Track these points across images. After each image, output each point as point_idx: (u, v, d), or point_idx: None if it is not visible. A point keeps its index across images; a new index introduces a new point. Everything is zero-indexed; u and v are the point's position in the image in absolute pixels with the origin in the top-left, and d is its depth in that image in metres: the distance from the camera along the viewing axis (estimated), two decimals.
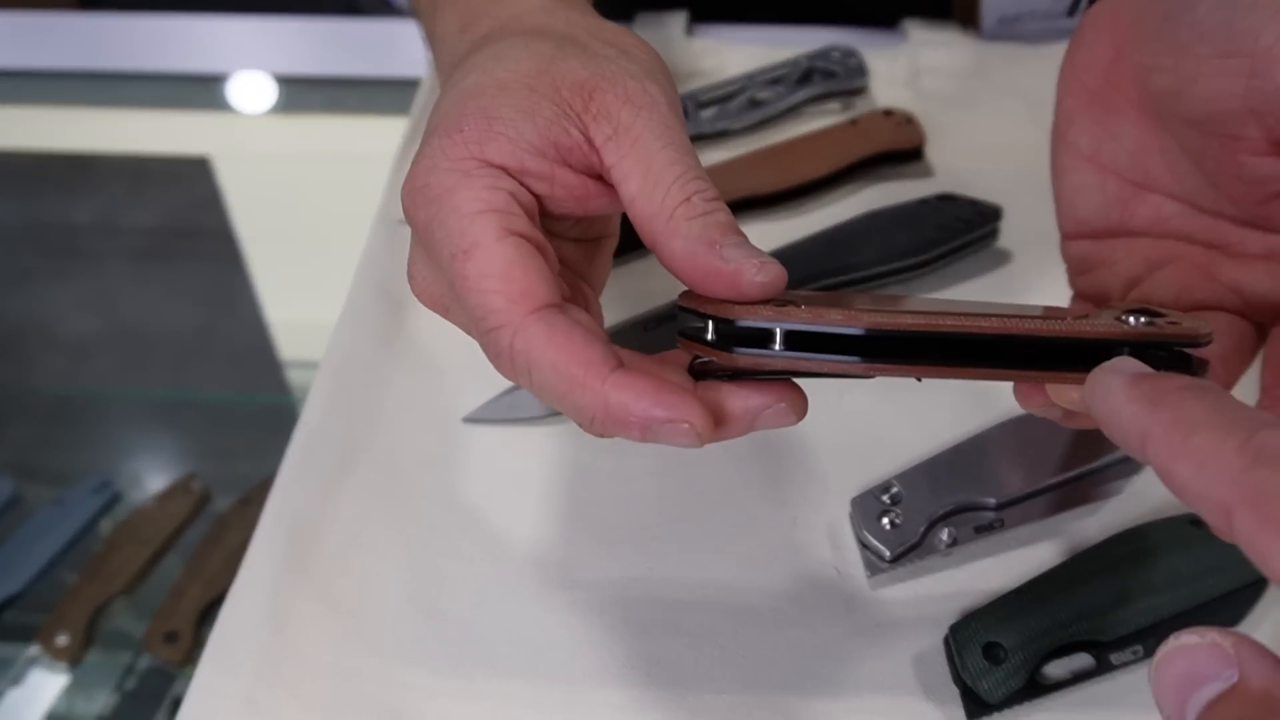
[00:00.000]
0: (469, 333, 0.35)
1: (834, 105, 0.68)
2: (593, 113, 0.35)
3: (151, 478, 0.87)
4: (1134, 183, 0.40)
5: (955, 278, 0.57)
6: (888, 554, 0.45)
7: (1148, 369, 0.29)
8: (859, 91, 0.67)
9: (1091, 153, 0.41)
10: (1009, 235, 0.58)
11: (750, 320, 0.32)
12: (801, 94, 0.66)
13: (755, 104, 0.66)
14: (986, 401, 0.51)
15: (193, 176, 0.98)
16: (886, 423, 0.51)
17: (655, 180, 0.34)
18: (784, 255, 0.56)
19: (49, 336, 0.99)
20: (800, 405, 0.33)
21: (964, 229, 0.56)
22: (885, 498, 0.47)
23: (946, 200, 0.58)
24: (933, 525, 0.46)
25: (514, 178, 0.35)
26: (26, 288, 1.02)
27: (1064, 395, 0.37)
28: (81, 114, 1.00)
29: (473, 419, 0.52)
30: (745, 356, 0.32)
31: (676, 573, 0.46)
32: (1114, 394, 0.27)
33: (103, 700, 0.73)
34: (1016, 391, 0.40)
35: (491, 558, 0.47)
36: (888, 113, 0.64)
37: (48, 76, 0.96)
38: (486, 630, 0.45)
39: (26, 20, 0.98)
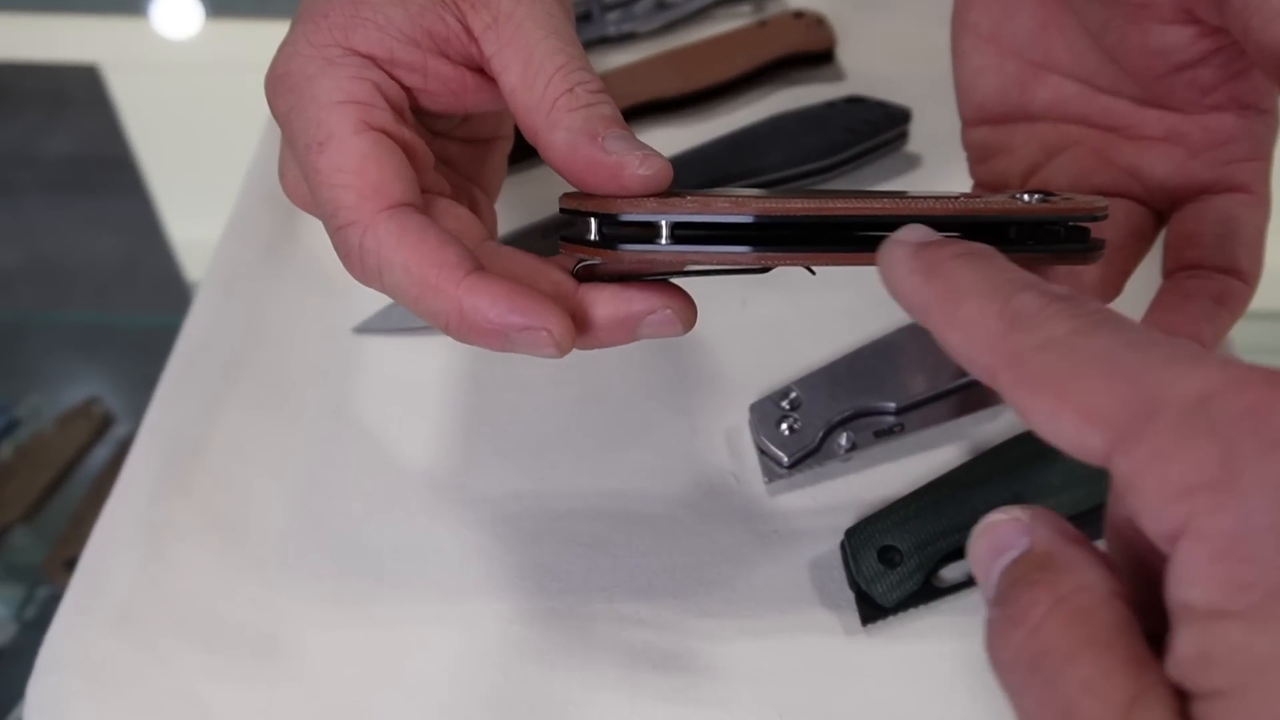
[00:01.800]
0: (328, 232, 0.33)
1: (745, 7, 0.66)
2: (471, 0, 0.33)
3: (55, 403, 0.85)
4: (1034, 63, 0.39)
5: (863, 181, 0.56)
6: (785, 460, 0.44)
7: (934, 235, 0.27)
8: None
9: (991, 33, 0.40)
10: (919, 138, 0.57)
11: (634, 213, 0.30)
12: None
13: (663, 5, 0.64)
14: (891, 306, 0.49)
15: (84, 87, 0.94)
16: (790, 328, 0.50)
17: (536, 70, 0.32)
18: (689, 160, 0.55)
19: None
20: (688, 313, 0.32)
21: (872, 132, 0.55)
22: (784, 403, 0.45)
23: (855, 103, 0.56)
24: (831, 431, 0.45)
25: (381, 68, 0.33)
26: None
27: None
28: None
29: (364, 329, 0.51)
30: (630, 253, 0.30)
31: (571, 482, 0.45)
32: (898, 266, 0.27)
33: (2, 630, 0.71)
34: None
35: (380, 470, 0.46)
36: (798, 14, 0.62)
37: None
38: (373, 544, 0.43)
39: None
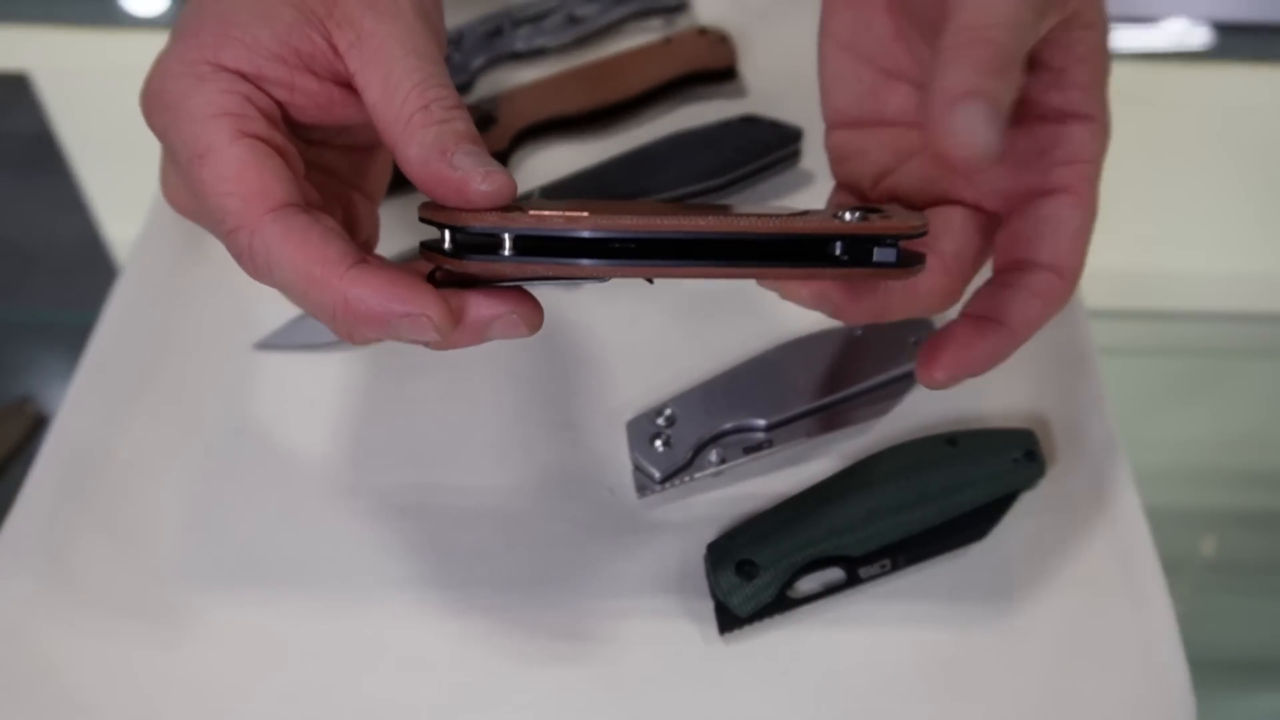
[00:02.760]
0: (218, 237, 0.35)
1: (656, 22, 0.67)
2: (336, 19, 0.35)
3: None
4: (885, 71, 0.41)
5: (756, 198, 0.58)
6: (658, 475, 0.46)
7: None
8: (680, 8, 0.67)
9: (849, 41, 0.42)
10: (813, 156, 0.59)
11: (478, 225, 0.32)
12: (620, 10, 0.66)
13: (573, 21, 0.65)
14: (775, 325, 0.52)
15: (17, 94, 0.95)
16: (675, 346, 0.52)
17: (394, 87, 0.34)
18: (587, 177, 0.57)
19: None
20: (533, 316, 0.34)
21: (763, 151, 0.57)
22: (660, 420, 0.48)
23: (749, 122, 0.58)
24: (702, 447, 0.47)
25: (251, 83, 0.35)
26: None
27: (794, 292, 0.38)
28: None
29: (265, 345, 0.52)
30: (476, 263, 0.33)
31: (456, 494, 0.47)
32: None
33: None
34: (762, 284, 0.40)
35: (275, 483, 0.48)
36: (702, 31, 0.63)
37: None
38: (267, 556, 0.46)
39: None
